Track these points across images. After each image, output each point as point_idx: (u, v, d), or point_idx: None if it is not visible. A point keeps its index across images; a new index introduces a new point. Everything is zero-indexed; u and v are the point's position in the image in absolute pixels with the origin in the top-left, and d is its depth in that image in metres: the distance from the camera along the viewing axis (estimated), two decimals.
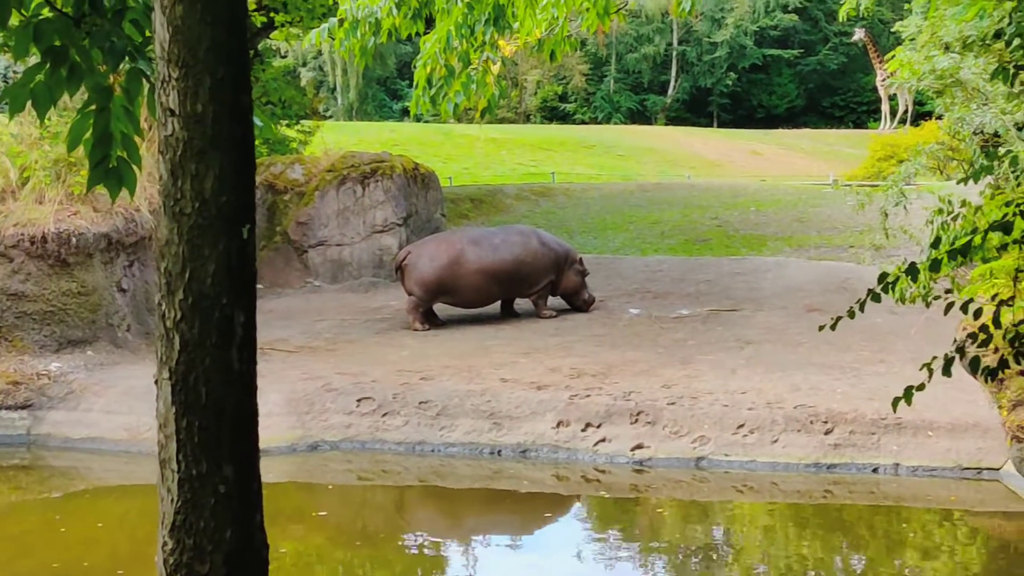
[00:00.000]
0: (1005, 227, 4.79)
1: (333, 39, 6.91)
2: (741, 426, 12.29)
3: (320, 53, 73.01)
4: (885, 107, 57.82)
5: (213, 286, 3.37)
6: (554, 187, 32.85)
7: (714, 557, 9.98)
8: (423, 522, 11.84)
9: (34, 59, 4.04)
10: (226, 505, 3.52)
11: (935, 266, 5.15)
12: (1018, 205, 4.86)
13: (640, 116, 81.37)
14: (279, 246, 20.62)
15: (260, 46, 33.90)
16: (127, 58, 3.84)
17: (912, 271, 5.27)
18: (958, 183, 5.60)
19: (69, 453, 13.33)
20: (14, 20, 3.98)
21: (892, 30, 27.92)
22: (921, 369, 5.35)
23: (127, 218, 15.51)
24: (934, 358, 5.36)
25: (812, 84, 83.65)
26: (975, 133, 15.42)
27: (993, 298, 5.61)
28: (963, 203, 7.60)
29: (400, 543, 10.85)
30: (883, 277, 5.47)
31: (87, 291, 14.97)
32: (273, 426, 12.93)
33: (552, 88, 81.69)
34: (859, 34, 57.72)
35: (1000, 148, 14.56)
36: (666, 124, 76.57)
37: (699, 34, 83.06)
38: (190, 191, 3.31)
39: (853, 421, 12.03)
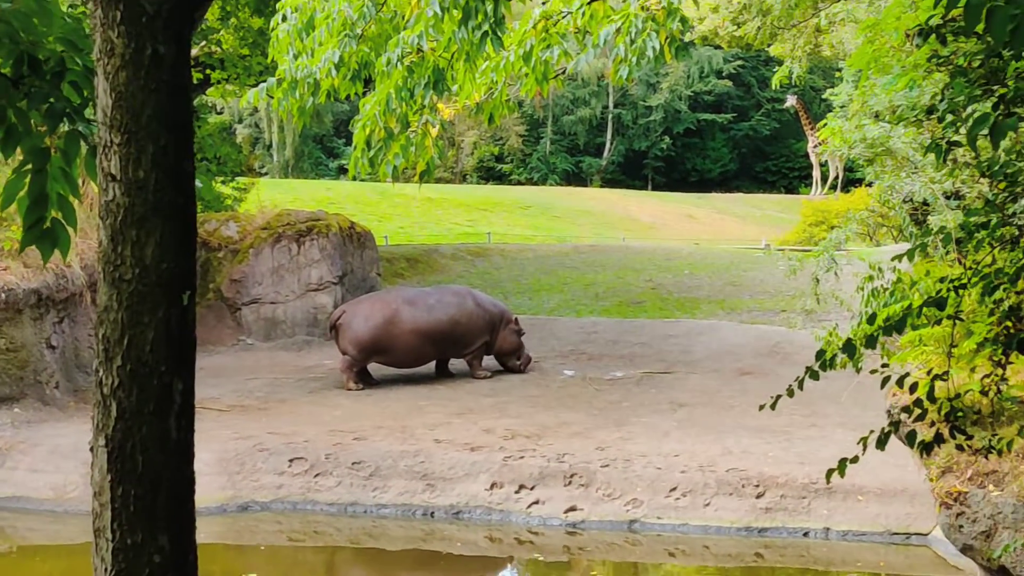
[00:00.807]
0: (939, 303, 4.87)
1: (272, 98, 6.92)
2: (674, 489, 12.32)
3: (256, 110, 72.83)
4: (816, 173, 58.66)
5: (152, 353, 3.34)
6: (490, 247, 32.93)
7: None
8: None
9: None
10: (161, 575, 3.47)
11: (870, 342, 5.22)
12: (952, 281, 4.95)
13: (576, 178, 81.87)
14: (212, 303, 20.47)
15: (196, 102, 33.85)
16: (65, 120, 3.82)
17: (849, 348, 5.34)
18: (893, 259, 5.69)
19: None
20: None
21: (824, 97, 28.39)
22: (858, 443, 5.41)
23: (58, 274, 15.35)
24: (870, 432, 5.43)
25: (745, 149, 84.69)
26: (905, 201, 15.68)
27: (929, 372, 5.68)
28: (895, 271, 7.71)
29: None
30: (820, 355, 5.53)
31: (15, 347, 14.75)
32: (203, 486, 12.65)
33: (489, 149, 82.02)
34: (791, 101, 58.64)
35: (929, 216, 14.81)
36: (601, 186, 77.06)
37: (634, 98, 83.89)
38: (130, 257, 3.28)
39: (784, 485, 12.10)
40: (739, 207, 62.40)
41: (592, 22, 6.32)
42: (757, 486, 12.18)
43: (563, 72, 6.88)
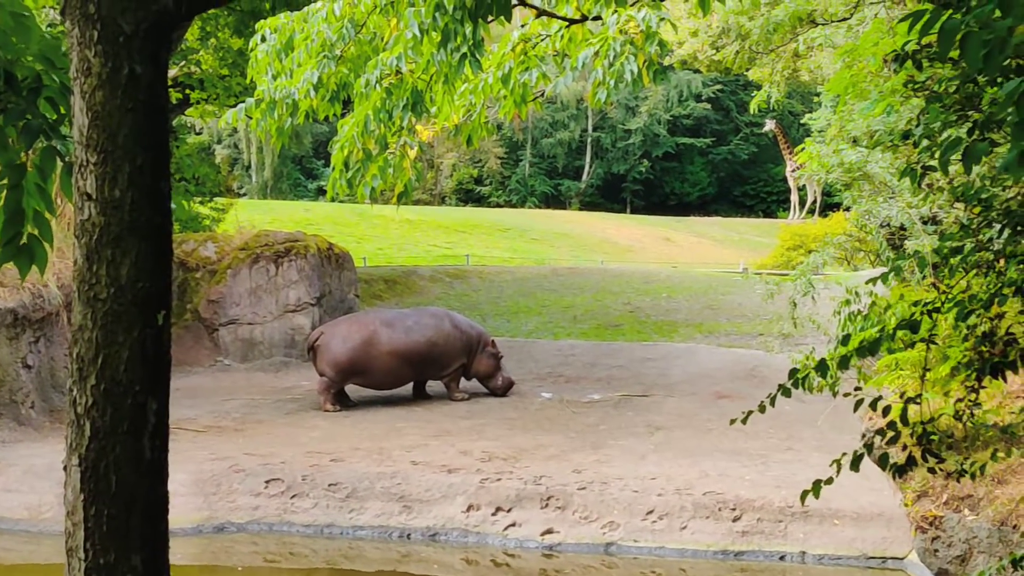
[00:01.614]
0: (912, 326, 4.90)
1: (250, 119, 6.92)
2: (650, 512, 12.32)
3: (235, 131, 72.73)
4: (794, 197, 58.89)
5: (126, 373, 3.33)
6: (468, 269, 32.92)
7: None
8: None
9: None
10: None
11: (844, 363, 5.24)
12: (925, 305, 4.98)
13: (555, 200, 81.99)
14: (189, 324, 20.40)
15: (175, 122, 33.81)
16: (42, 136, 3.82)
17: (822, 368, 5.37)
18: (867, 283, 5.73)
19: None
20: None
21: (802, 122, 28.57)
22: (831, 464, 5.42)
23: (34, 294, 15.28)
24: (843, 454, 5.44)
25: (723, 173, 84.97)
26: (882, 226, 15.76)
27: (902, 395, 5.71)
28: (871, 295, 7.75)
29: None
30: (793, 373, 5.56)
31: None
32: (179, 507, 12.66)
33: (468, 171, 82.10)
34: (770, 125, 58.88)
35: (906, 241, 14.88)
36: (580, 209, 77.21)
37: (613, 121, 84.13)
38: (105, 277, 3.27)
39: (761, 508, 12.11)
40: (717, 231, 62.57)
41: (571, 45, 6.35)
42: (734, 509, 12.19)
43: (541, 95, 6.90)
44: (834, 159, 14.50)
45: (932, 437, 5.33)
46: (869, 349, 5.12)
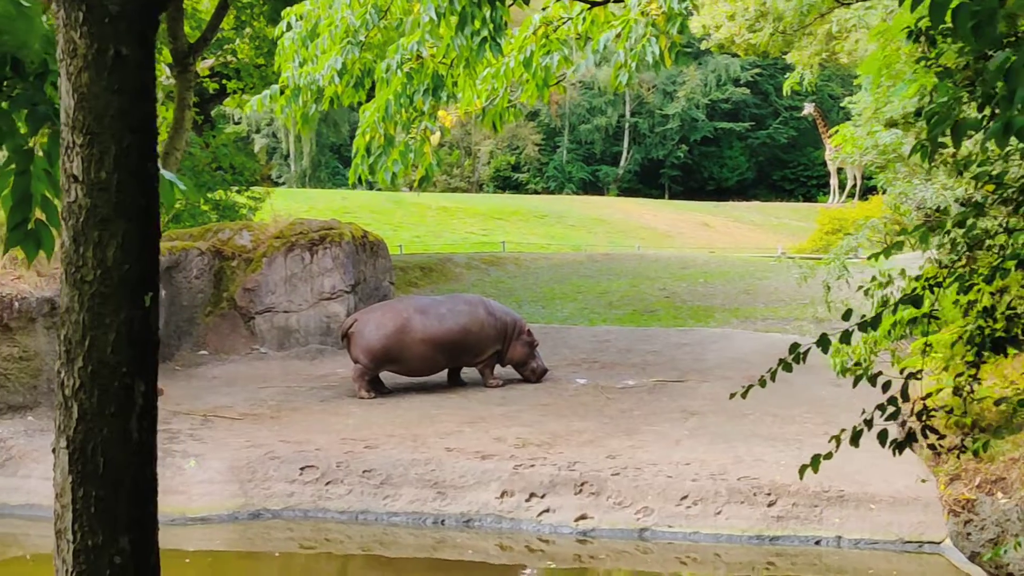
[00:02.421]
0: (915, 301, 4.86)
1: (275, 106, 6.92)
2: (685, 497, 12.28)
3: (273, 120, 73.10)
4: (834, 181, 58.61)
5: (113, 355, 3.34)
6: (504, 256, 32.93)
7: None
8: None
9: None
10: None
11: (845, 338, 5.22)
12: (927, 279, 4.94)
13: (592, 187, 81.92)
14: (225, 312, 20.48)
15: (213, 112, 33.99)
16: (48, 122, 3.83)
17: (823, 342, 5.35)
18: (869, 258, 5.69)
19: (6, 520, 13.09)
20: None
21: (842, 105, 28.34)
22: (830, 440, 5.42)
23: None
24: (842, 430, 5.44)
25: (762, 157, 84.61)
26: (918, 208, 15.61)
27: (910, 375, 5.68)
28: (903, 275, 7.68)
29: None
30: (794, 347, 5.53)
31: (28, 356, 14.79)
32: (215, 493, 12.83)
33: (505, 158, 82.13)
34: (808, 108, 58.62)
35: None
36: (618, 195, 77.13)
37: (651, 106, 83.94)
38: (92, 259, 3.28)
39: (796, 493, 12.05)
40: (756, 215, 62.32)
41: (593, 27, 6.31)
42: (769, 494, 12.13)
43: (563, 79, 6.86)
44: (868, 141, 14.38)
45: (932, 413, 5.29)
46: (871, 324, 5.09)
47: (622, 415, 15.54)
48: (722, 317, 23.80)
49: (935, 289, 4.96)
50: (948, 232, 5.16)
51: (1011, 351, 5.28)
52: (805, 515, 11.88)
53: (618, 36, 6.20)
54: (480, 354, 17.52)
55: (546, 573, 11.84)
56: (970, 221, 5.10)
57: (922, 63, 5.90)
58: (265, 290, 20.51)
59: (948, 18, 3.19)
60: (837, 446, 5.31)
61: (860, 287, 7.22)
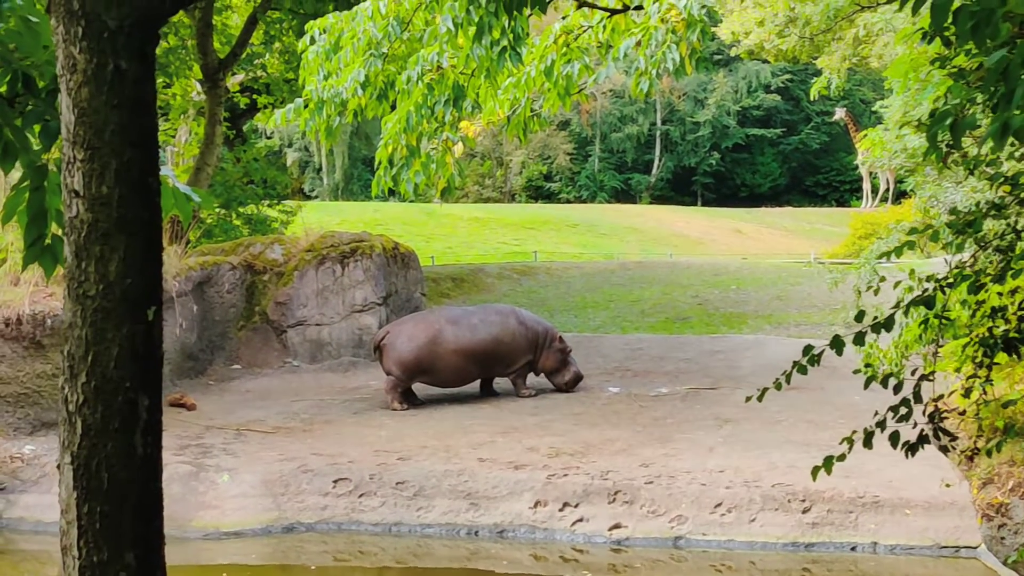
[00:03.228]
0: (927, 302, 4.83)
1: (299, 119, 6.95)
2: (719, 505, 12.23)
3: (305, 134, 73.39)
4: (867, 185, 58.36)
5: (117, 370, 3.34)
6: (536, 266, 32.92)
7: None
8: None
9: None
10: None
11: (859, 339, 5.19)
12: (939, 280, 4.91)
13: (625, 195, 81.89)
14: (258, 326, 20.54)
15: (246, 127, 34.16)
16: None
17: (836, 343, 5.34)
18: (879, 257, 5.67)
19: (41, 537, 13.15)
20: None
21: (873, 109, 28.23)
22: (841, 443, 5.40)
23: None
24: (854, 432, 5.42)
25: (795, 163, 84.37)
26: (949, 211, 15.49)
27: (922, 376, 5.66)
28: (931, 279, 7.63)
29: None
30: (807, 349, 5.52)
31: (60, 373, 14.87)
32: (248, 507, 12.86)
33: (537, 168, 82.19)
34: (840, 113, 58.39)
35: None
36: (651, 203, 77.07)
37: (682, 114, 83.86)
38: (94, 273, 3.29)
39: (831, 500, 11.98)
40: (788, 221, 62.11)
41: (614, 35, 6.30)
42: (803, 501, 12.06)
43: (584, 87, 6.85)
44: (897, 145, 14.29)
45: (944, 415, 5.27)
46: (884, 325, 5.07)
47: (655, 423, 15.49)
48: (755, 324, 23.71)
49: (946, 290, 4.94)
50: (961, 232, 5.13)
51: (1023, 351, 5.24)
52: (840, 521, 11.81)
53: (638, 44, 6.19)
54: (512, 364, 17.51)
55: None
56: (987, 223, 5.07)
57: (936, 64, 5.87)
58: (297, 303, 20.56)
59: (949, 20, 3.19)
60: (850, 447, 5.31)
61: (878, 286, 7.19)
